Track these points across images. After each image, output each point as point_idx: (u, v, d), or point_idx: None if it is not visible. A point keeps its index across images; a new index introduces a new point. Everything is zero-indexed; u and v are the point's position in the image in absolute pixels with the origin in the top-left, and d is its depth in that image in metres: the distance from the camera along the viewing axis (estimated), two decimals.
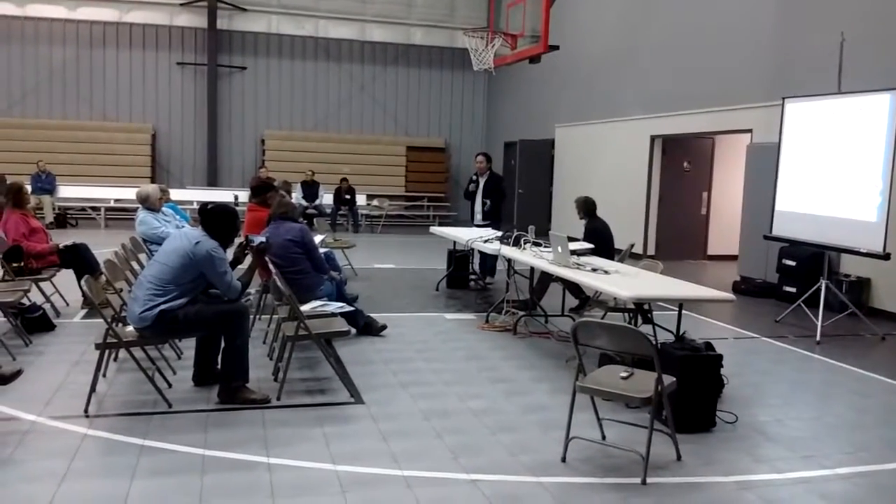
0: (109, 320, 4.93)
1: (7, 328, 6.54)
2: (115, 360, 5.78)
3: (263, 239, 5.75)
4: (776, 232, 9.00)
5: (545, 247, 7.54)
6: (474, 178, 10.50)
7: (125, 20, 19.14)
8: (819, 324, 7.74)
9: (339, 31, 20.45)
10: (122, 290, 6.02)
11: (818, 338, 7.63)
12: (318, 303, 6.19)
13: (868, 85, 8.25)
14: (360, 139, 20.74)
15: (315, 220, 16.83)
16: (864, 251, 7.81)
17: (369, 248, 14.00)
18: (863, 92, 8.05)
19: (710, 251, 14.20)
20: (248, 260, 5.69)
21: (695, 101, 12.53)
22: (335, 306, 6.15)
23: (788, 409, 5.53)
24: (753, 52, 11.27)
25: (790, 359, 7.07)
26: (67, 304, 7.89)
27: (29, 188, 8.84)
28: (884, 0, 9.09)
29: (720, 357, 5.08)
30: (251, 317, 6.34)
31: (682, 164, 14.08)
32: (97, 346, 4.97)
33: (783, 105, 8.96)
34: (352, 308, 6.76)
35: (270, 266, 6.09)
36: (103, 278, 6.11)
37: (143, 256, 7.86)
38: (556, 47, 10.86)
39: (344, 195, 17.99)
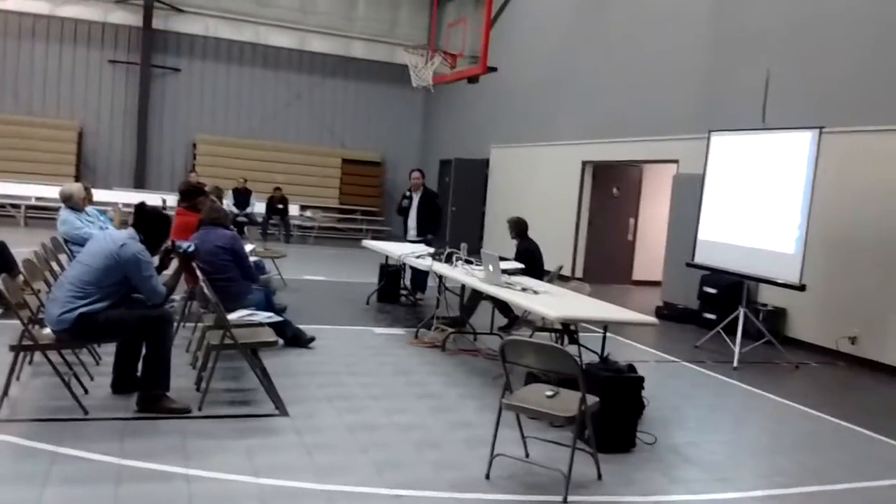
0: (26, 321, 4.75)
1: None
2: (30, 363, 5.56)
3: (192, 245, 5.63)
4: (698, 260, 9.28)
5: (476, 265, 7.60)
6: (408, 193, 10.53)
7: (56, 14, 18.53)
8: (737, 350, 8.00)
9: (278, 39, 20.25)
10: (40, 291, 5.80)
11: (735, 364, 7.89)
12: (246, 312, 6.10)
13: (792, 121, 8.63)
14: (295, 149, 20.52)
15: (246, 228, 16.60)
16: (781, 282, 8.13)
17: (300, 258, 13.85)
18: (786, 129, 8.41)
19: (636, 276, 14.55)
20: (174, 265, 5.56)
21: (625, 129, 12.86)
22: (263, 316, 6.07)
23: (705, 433, 5.70)
24: (683, 85, 11.66)
25: (708, 383, 7.29)
26: None
27: None
28: (809, 40, 9.54)
29: (642, 379, 5.22)
30: (175, 324, 6.19)
31: (612, 190, 14.41)
32: (11, 348, 4.77)
33: (709, 137, 9.27)
34: (280, 318, 6.67)
35: (198, 272, 5.98)
36: (21, 278, 5.88)
37: (63, 257, 7.58)
38: (494, 69, 11.03)
39: (276, 204, 17.77)
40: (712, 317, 9.75)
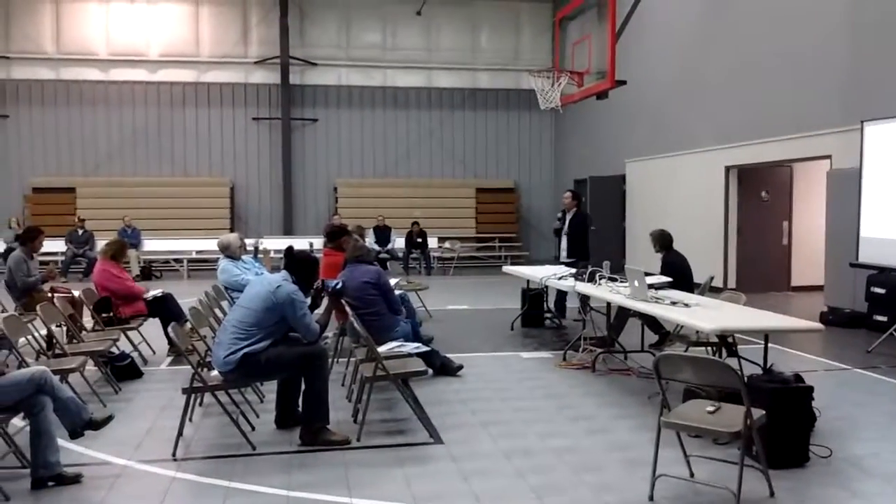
0: (195, 365, 5.07)
1: (98, 376, 6.76)
2: (200, 404, 5.92)
3: (339, 282, 5.85)
4: (863, 259, 8.67)
5: (621, 282, 7.43)
6: (560, 215, 10.46)
7: (203, 80, 20.01)
8: None
9: (406, 79, 20.90)
10: (206, 336, 6.18)
11: None
12: (395, 344, 6.22)
13: None
14: (430, 183, 21.00)
15: (388, 263, 17.06)
16: None
17: (442, 289, 14.04)
18: None
19: (794, 282, 13.74)
20: (325, 303, 5.79)
21: (768, 129, 12.25)
22: (411, 347, 6.18)
23: (886, 443, 5.26)
24: (826, 75, 10.99)
25: (885, 390, 6.75)
26: (154, 352, 8.12)
27: None
28: None
29: (811, 389, 4.89)
30: (330, 359, 6.41)
31: (760, 194, 13.75)
32: (184, 391, 5.11)
33: (862, 128, 8.69)
34: (428, 349, 6.76)
35: (347, 308, 6.18)
36: (188, 325, 6.30)
37: (225, 304, 8.05)
38: (623, 82, 10.83)
39: (415, 238, 18.18)
40: (883, 318, 9.04)
